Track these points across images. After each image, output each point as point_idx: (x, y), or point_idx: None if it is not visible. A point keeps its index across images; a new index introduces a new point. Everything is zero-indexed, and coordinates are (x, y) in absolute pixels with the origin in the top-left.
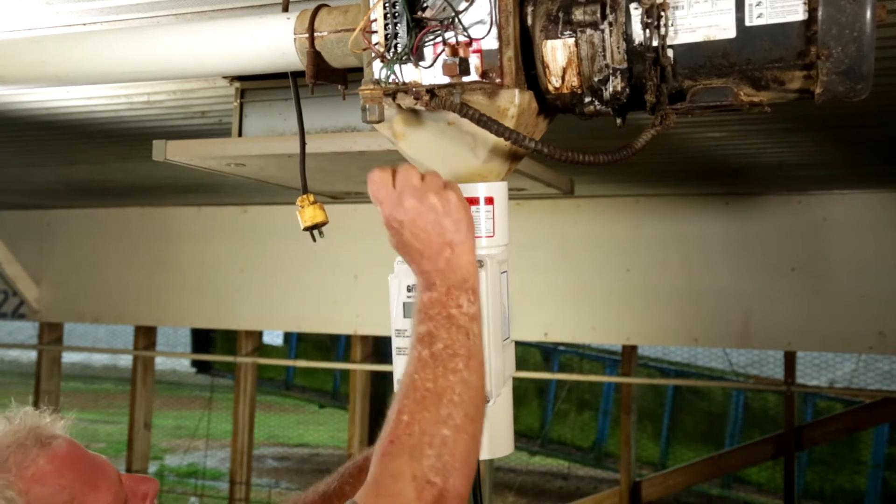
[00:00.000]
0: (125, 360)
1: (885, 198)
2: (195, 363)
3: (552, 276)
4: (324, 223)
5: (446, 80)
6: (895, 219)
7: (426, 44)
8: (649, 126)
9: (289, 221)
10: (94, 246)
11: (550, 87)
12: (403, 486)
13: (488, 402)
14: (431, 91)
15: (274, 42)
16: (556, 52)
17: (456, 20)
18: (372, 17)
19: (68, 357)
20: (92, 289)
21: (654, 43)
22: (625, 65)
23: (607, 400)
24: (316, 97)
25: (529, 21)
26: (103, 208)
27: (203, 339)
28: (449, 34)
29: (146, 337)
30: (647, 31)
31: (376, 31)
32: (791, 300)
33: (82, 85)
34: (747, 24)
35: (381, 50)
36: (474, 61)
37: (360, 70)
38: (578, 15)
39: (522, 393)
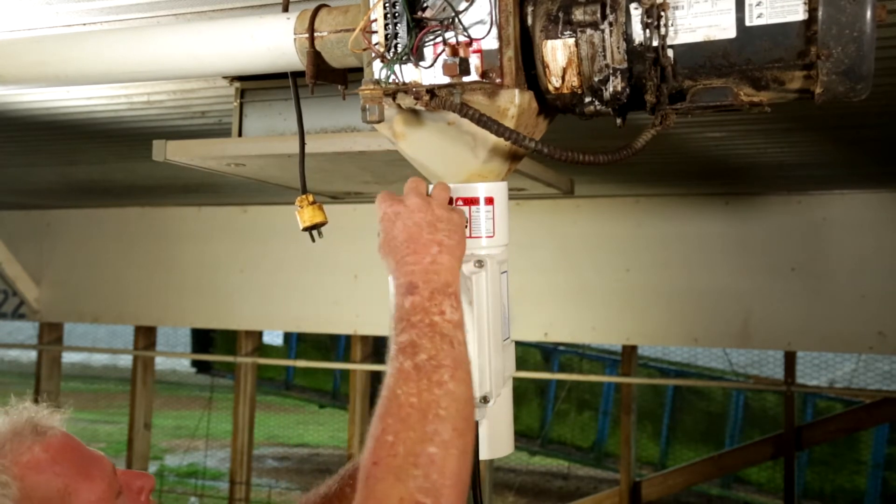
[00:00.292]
0: (125, 360)
1: (885, 198)
2: (195, 363)
3: (552, 276)
4: (323, 223)
5: (446, 80)
6: (895, 219)
7: (426, 44)
8: (649, 126)
9: (289, 221)
10: (94, 246)
11: (550, 87)
12: None
13: (488, 402)
14: (431, 91)
15: (274, 42)
16: (556, 52)
17: (456, 20)
18: (372, 17)
19: (68, 357)
20: (92, 289)
21: (654, 43)
22: (625, 65)
23: (607, 400)
24: (316, 97)
25: (529, 21)
26: (103, 208)
27: (203, 339)
28: (449, 34)
29: (146, 337)
30: (647, 31)
31: (376, 31)
32: (791, 300)
33: (82, 85)
34: (747, 24)
35: (381, 50)
36: (474, 61)
37: (360, 70)
38: (578, 15)
39: (522, 393)
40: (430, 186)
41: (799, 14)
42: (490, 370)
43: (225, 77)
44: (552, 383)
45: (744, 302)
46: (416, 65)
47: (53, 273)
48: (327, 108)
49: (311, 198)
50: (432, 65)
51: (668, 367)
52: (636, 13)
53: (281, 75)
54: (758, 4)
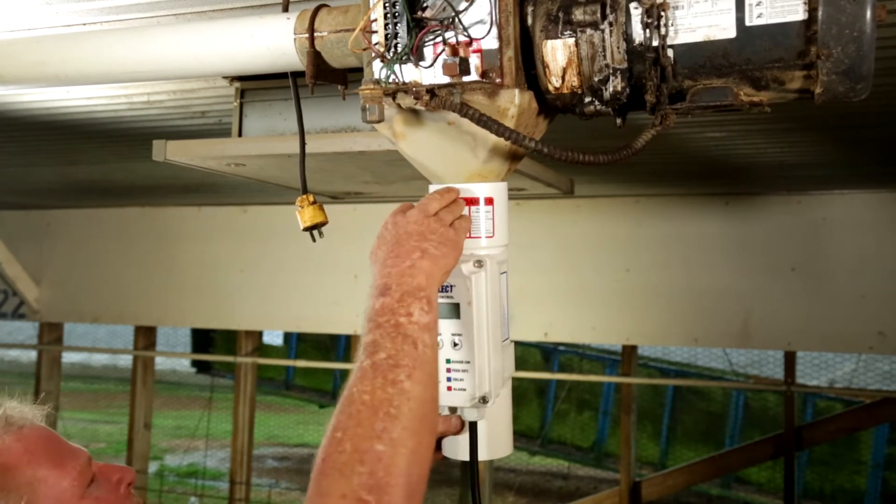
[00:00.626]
0: (125, 360)
1: (885, 198)
2: (195, 363)
3: (552, 276)
4: (323, 223)
5: (446, 79)
6: (895, 219)
7: (426, 44)
8: (649, 126)
9: (289, 221)
10: (94, 246)
11: (550, 87)
12: None
13: (487, 402)
14: (431, 91)
15: (274, 42)
16: (556, 52)
17: (456, 20)
18: (372, 17)
19: (68, 357)
20: (92, 289)
21: (655, 43)
22: (625, 65)
23: (607, 400)
24: (316, 97)
25: (529, 21)
26: (103, 208)
27: (203, 339)
28: (449, 34)
29: (146, 337)
30: (648, 31)
31: (376, 31)
32: (791, 300)
33: (82, 85)
34: (747, 23)
35: (381, 50)
36: (474, 61)
37: (360, 70)
38: (578, 15)
39: (522, 393)
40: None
41: (799, 14)
42: (489, 370)
43: (225, 77)
44: (552, 383)
45: (744, 302)
46: (416, 65)
47: (53, 273)
48: (327, 108)
49: (311, 198)
50: (432, 65)
51: (668, 367)
52: (636, 13)
53: (281, 75)
54: (758, 4)
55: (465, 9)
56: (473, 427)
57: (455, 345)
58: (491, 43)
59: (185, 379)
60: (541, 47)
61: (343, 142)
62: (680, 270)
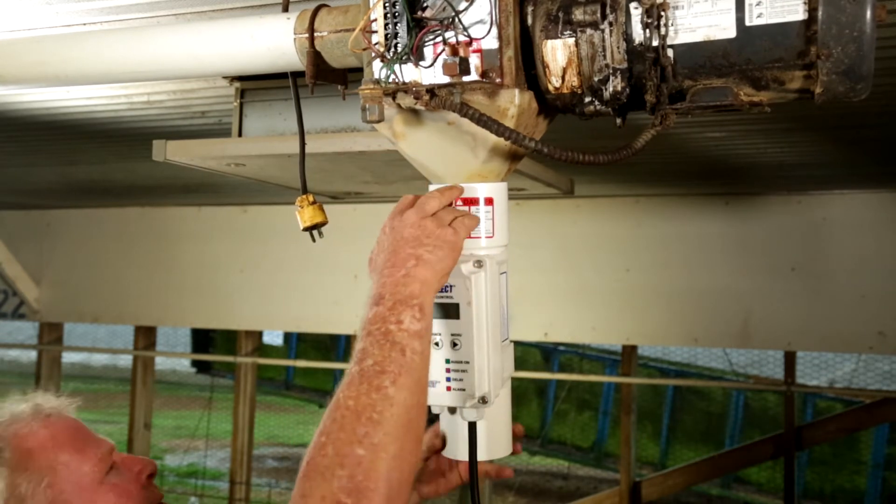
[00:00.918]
0: (125, 360)
1: (885, 198)
2: (195, 363)
3: (552, 276)
4: (323, 223)
5: (446, 79)
6: (895, 219)
7: (426, 43)
8: (649, 126)
9: (289, 221)
10: (94, 246)
11: (550, 87)
12: None
13: (486, 402)
14: (431, 91)
15: (274, 42)
16: (556, 52)
17: (456, 20)
18: (372, 17)
19: (68, 357)
20: (92, 289)
21: (655, 43)
22: (625, 65)
23: (607, 400)
24: (316, 97)
25: (529, 21)
26: (103, 208)
27: (203, 339)
28: (449, 34)
29: (146, 337)
30: (647, 30)
31: (376, 31)
32: (791, 300)
33: (82, 85)
34: (747, 23)
35: (381, 50)
36: (474, 61)
37: (360, 70)
38: (578, 15)
39: (522, 393)
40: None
41: (799, 14)
42: (488, 371)
43: (225, 77)
44: (552, 383)
45: (744, 302)
46: (416, 64)
47: (53, 273)
48: (327, 108)
49: (311, 198)
50: (432, 64)
51: (668, 367)
52: (636, 13)
53: (281, 75)
54: (758, 4)
55: (465, 9)
56: (473, 427)
57: (454, 345)
58: (491, 43)
59: (185, 379)
60: (541, 47)
61: (343, 142)
62: (680, 270)
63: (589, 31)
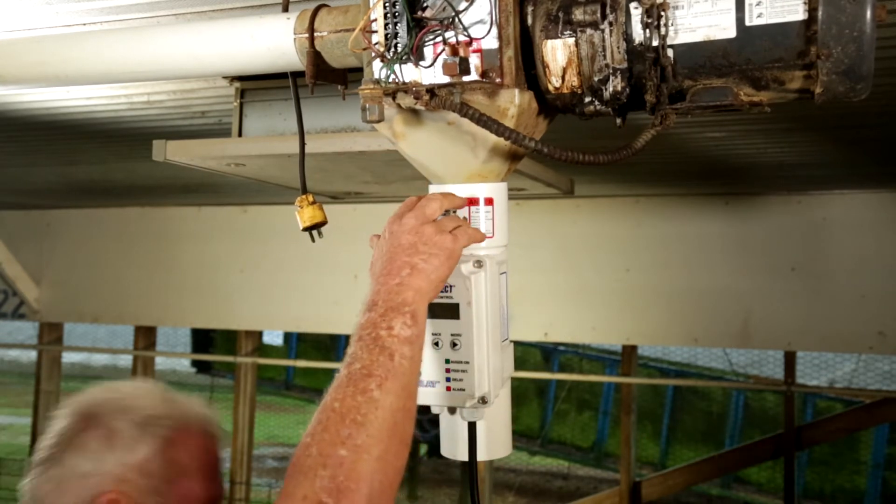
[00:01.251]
0: (125, 360)
1: (885, 198)
2: (195, 363)
3: (552, 276)
4: (323, 223)
5: (446, 79)
6: (895, 219)
7: (426, 43)
8: (649, 126)
9: (289, 221)
10: (94, 246)
11: (550, 87)
12: None
13: (486, 402)
14: (431, 91)
15: (274, 42)
16: (556, 52)
17: (456, 20)
18: (372, 17)
19: (68, 357)
20: (92, 289)
21: (655, 43)
22: (625, 65)
23: (607, 400)
24: (316, 97)
25: (529, 21)
26: (103, 208)
27: (203, 339)
28: (449, 34)
29: (146, 337)
30: (647, 30)
31: (376, 31)
32: (791, 300)
33: (82, 85)
34: (747, 23)
35: (381, 50)
36: (474, 61)
37: (360, 70)
38: (578, 15)
39: (522, 393)
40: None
41: (799, 14)
42: (488, 371)
43: (225, 77)
44: (552, 383)
45: (744, 302)
46: (416, 64)
47: (53, 273)
48: (327, 108)
49: (311, 198)
50: (432, 64)
51: (668, 367)
52: (636, 13)
53: (281, 75)
54: (758, 4)
55: (465, 9)
56: (473, 427)
57: (454, 345)
58: (491, 43)
59: (185, 379)
60: (541, 47)
61: (343, 142)
62: (680, 270)
63: (589, 31)
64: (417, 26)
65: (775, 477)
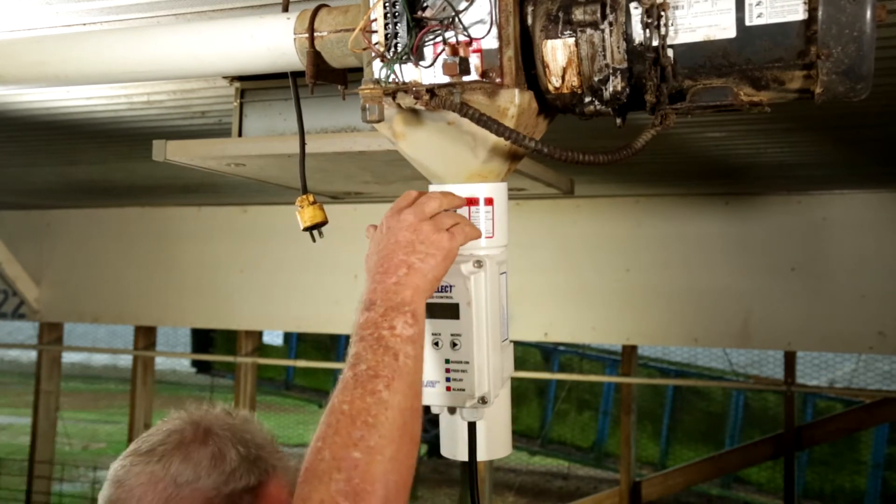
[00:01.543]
0: (125, 360)
1: (885, 198)
2: (195, 363)
3: (552, 276)
4: (323, 223)
5: (446, 79)
6: (895, 219)
7: (426, 43)
8: (649, 126)
9: (289, 221)
10: (94, 246)
11: (550, 87)
12: None
13: (486, 402)
14: (431, 90)
15: (274, 42)
16: (556, 52)
17: (456, 20)
18: (372, 17)
19: (68, 357)
20: (92, 289)
21: (655, 43)
22: (625, 65)
23: (607, 400)
24: (316, 97)
25: (529, 21)
26: (103, 208)
27: (203, 339)
28: (449, 34)
29: (146, 337)
30: (648, 30)
31: (376, 31)
32: (791, 300)
33: (82, 85)
34: (747, 23)
35: (381, 49)
36: (474, 61)
37: (360, 70)
38: (578, 15)
39: (522, 393)
40: (430, 188)
41: (799, 14)
42: (488, 371)
43: (225, 77)
44: (552, 383)
45: (744, 302)
46: (416, 64)
47: (53, 273)
48: (327, 108)
49: (311, 198)
50: (432, 64)
51: (668, 367)
52: (636, 13)
53: (281, 75)
54: (758, 4)
55: (465, 8)
56: (472, 427)
57: (454, 345)
58: (491, 43)
59: (185, 379)
60: (541, 47)
61: (343, 142)
62: (680, 270)
63: (589, 30)
64: (417, 26)
65: (775, 477)
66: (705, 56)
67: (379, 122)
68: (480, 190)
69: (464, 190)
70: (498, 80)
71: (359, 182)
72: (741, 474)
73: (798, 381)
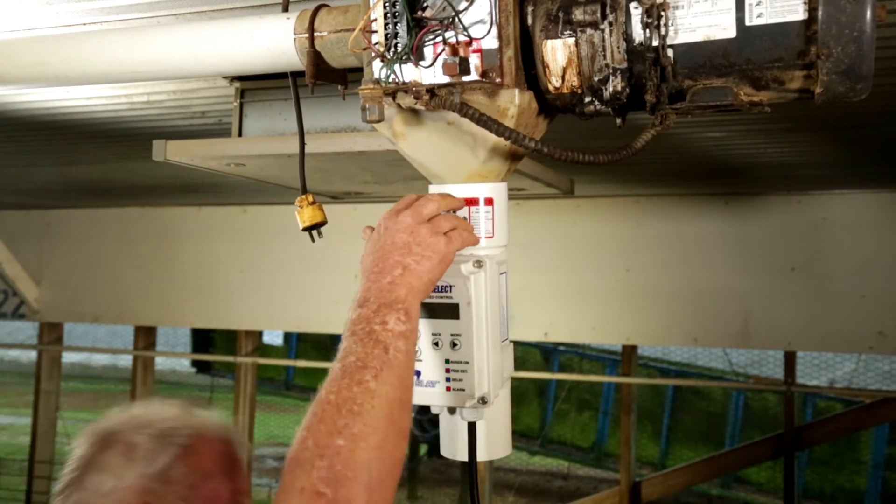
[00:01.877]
0: (125, 360)
1: (885, 198)
2: (195, 363)
3: (552, 276)
4: (323, 223)
5: (446, 79)
6: (895, 219)
7: (426, 43)
8: (649, 126)
9: (289, 221)
10: (94, 246)
11: (550, 87)
12: (291, 499)
13: (486, 403)
14: (431, 90)
15: (274, 42)
16: (556, 52)
17: (456, 20)
18: (372, 17)
19: (68, 357)
20: (92, 289)
21: (655, 43)
22: (625, 65)
23: (607, 400)
24: (316, 97)
25: (529, 21)
26: (103, 208)
27: (203, 339)
28: (449, 34)
29: (146, 337)
30: (647, 30)
31: (376, 31)
32: (791, 300)
33: (82, 85)
34: (747, 23)
35: (381, 49)
36: (474, 61)
37: (360, 70)
38: (578, 15)
39: (522, 393)
40: (431, 189)
41: (799, 14)
42: (488, 371)
43: (225, 77)
44: (552, 383)
45: (744, 302)
46: (416, 64)
47: (53, 273)
48: (327, 108)
49: (311, 198)
50: (432, 64)
51: (668, 367)
52: (636, 13)
53: (281, 75)
54: (758, 4)
55: (465, 8)
56: (472, 427)
57: (454, 345)
58: (491, 43)
59: (185, 379)
60: (541, 47)
61: (343, 142)
62: (680, 270)
63: (589, 30)
64: (417, 26)
65: (775, 477)
66: (705, 56)
67: (379, 122)
68: (480, 190)
69: (464, 190)
70: (498, 80)
71: (359, 182)
72: (741, 474)
73: (798, 381)
